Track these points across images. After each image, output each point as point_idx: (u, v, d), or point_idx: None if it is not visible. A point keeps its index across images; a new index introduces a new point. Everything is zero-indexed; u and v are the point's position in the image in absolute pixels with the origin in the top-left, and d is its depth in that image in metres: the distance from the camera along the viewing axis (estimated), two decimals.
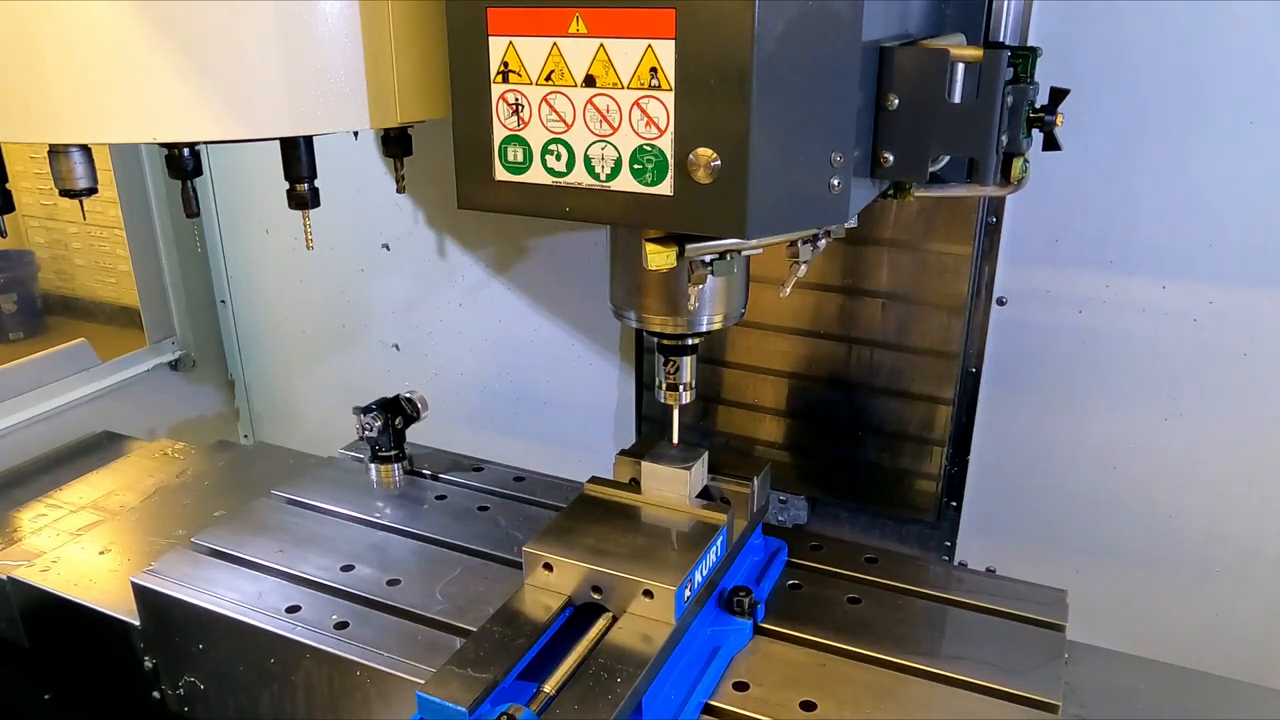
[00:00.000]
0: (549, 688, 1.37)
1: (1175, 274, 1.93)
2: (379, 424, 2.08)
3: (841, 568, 1.81)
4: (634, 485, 1.74)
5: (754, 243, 1.26)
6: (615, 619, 1.52)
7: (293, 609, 1.68)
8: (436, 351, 2.76)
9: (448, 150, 1.27)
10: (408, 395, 2.13)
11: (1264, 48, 1.74)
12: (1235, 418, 1.97)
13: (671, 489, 1.70)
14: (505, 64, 1.19)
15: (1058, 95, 1.38)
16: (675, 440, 1.72)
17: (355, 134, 1.57)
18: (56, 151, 1.39)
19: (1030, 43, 1.83)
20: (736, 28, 1.06)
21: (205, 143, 1.45)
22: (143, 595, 1.76)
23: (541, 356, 2.61)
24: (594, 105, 1.16)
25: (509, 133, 1.22)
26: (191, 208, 1.51)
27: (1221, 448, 2.00)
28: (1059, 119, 1.35)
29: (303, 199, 1.55)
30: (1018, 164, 1.34)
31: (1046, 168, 1.84)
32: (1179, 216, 1.89)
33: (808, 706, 1.47)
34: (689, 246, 1.25)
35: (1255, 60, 1.75)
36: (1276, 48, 1.73)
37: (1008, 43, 1.82)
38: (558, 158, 1.21)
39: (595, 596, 1.54)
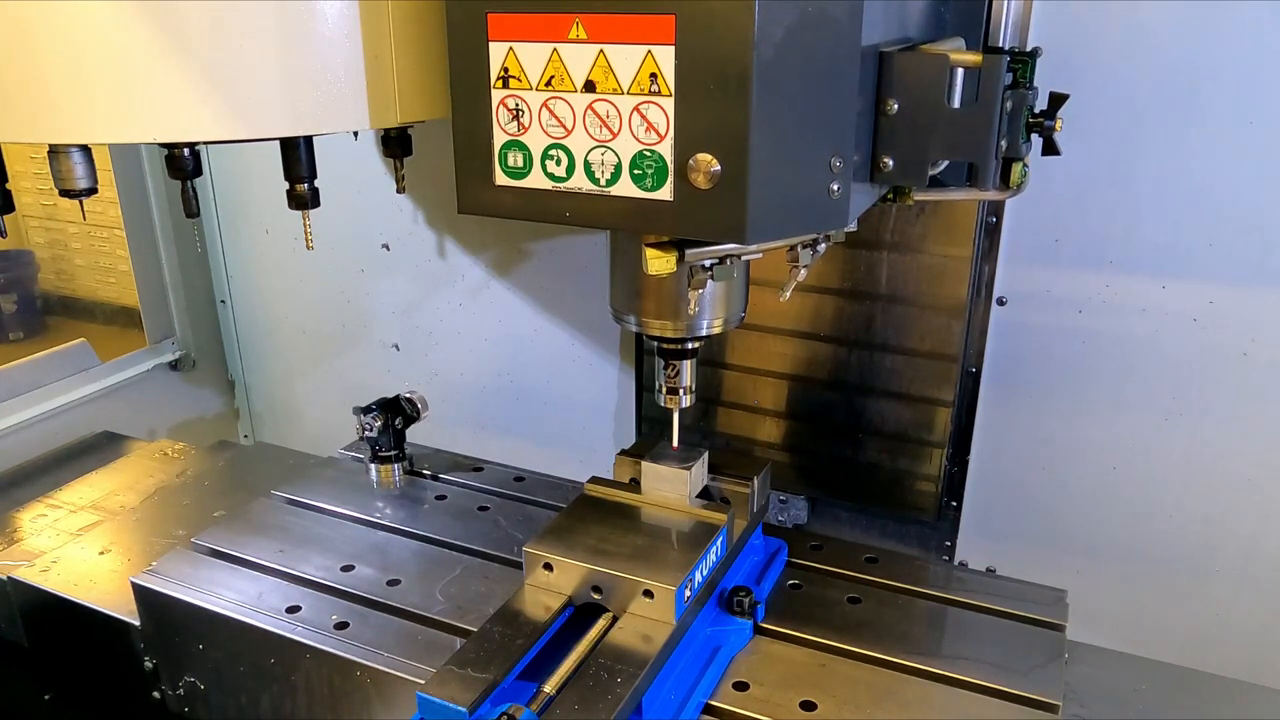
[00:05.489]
0: (549, 688, 1.37)
1: (1175, 274, 1.93)
2: (379, 424, 2.08)
3: (841, 568, 1.81)
4: (634, 485, 1.74)
5: (754, 248, 1.26)
6: (615, 619, 1.52)
7: (293, 609, 1.69)
8: (437, 352, 2.76)
9: (448, 150, 1.27)
10: (408, 395, 2.13)
11: (1264, 48, 1.73)
12: (1235, 418, 1.97)
13: (672, 489, 1.70)
14: (505, 69, 1.19)
15: (1057, 100, 1.38)
16: (675, 445, 1.72)
17: (355, 134, 1.57)
18: (56, 151, 1.39)
19: (1030, 43, 1.83)
20: (736, 33, 1.06)
21: (205, 143, 1.45)
22: (143, 595, 1.76)
23: (542, 357, 2.61)
24: (594, 111, 1.16)
25: (509, 138, 1.22)
26: (191, 208, 1.51)
27: (1221, 448, 2.00)
28: (1058, 124, 1.35)
29: (303, 199, 1.55)
30: (1017, 169, 1.34)
31: (1047, 168, 1.84)
32: (1179, 216, 1.88)
33: (808, 706, 1.47)
34: (689, 251, 1.25)
35: (1255, 60, 1.75)
36: (1276, 48, 1.73)
37: (1008, 44, 1.82)
38: (558, 163, 1.21)
39: (595, 596, 1.55)
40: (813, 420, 2.20)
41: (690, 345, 1.58)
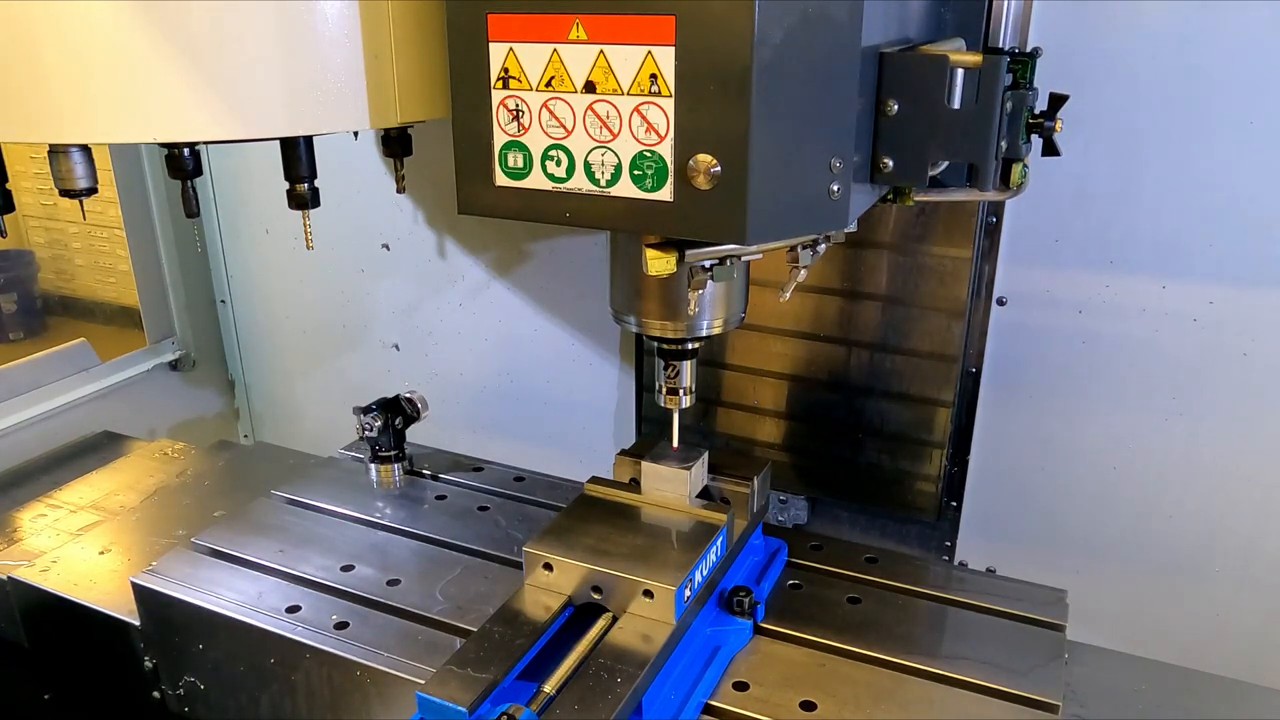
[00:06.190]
0: (549, 688, 1.37)
1: (1175, 274, 1.93)
2: (379, 424, 2.08)
3: (841, 568, 1.81)
4: (634, 485, 1.74)
5: (754, 248, 1.26)
6: (615, 619, 1.52)
7: (293, 609, 1.69)
8: (437, 352, 2.76)
9: (448, 150, 1.27)
10: (408, 395, 2.13)
11: (1264, 48, 1.74)
12: (1235, 418, 1.97)
13: (671, 489, 1.70)
14: (505, 70, 1.19)
15: (1057, 101, 1.38)
16: (675, 445, 1.72)
17: (355, 134, 1.57)
18: (56, 151, 1.39)
19: (1030, 44, 1.83)
20: (736, 34, 1.06)
21: (205, 143, 1.45)
22: (143, 595, 1.76)
23: (542, 357, 2.61)
24: (594, 111, 1.16)
25: (509, 138, 1.22)
26: (191, 208, 1.51)
27: (1221, 448, 2.00)
28: (1058, 125, 1.35)
29: (303, 199, 1.55)
30: (1017, 169, 1.34)
31: (1047, 168, 1.84)
32: (1179, 216, 1.89)
33: (808, 706, 1.47)
34: (689, 252, 1.25)
35: (1255, 60, 1.75)
36: (1276, 48, 1.73)
37: (1008, 44, 1.82)
38: (558, 163, 1.21)
39: (595, 596, 1.55)
40: (813, 420, 2.20)
41: (690, 346, 1.58)
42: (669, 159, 1.14)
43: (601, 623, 1.52)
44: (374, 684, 1.56)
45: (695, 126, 1.12)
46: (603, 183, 1.19)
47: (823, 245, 1.36)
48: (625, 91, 1.14)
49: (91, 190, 1.44)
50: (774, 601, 1.71)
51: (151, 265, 2.91)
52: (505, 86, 1.20)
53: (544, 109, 1.19)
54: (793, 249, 1.34)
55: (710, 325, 1.54)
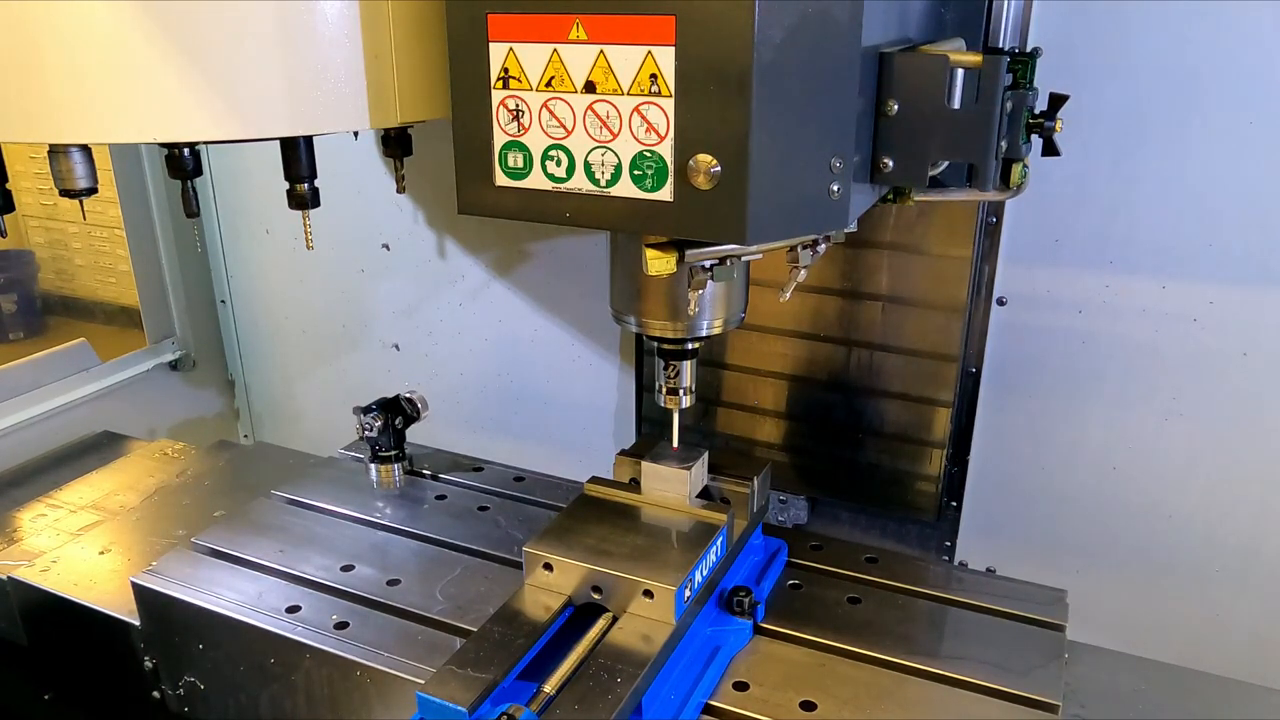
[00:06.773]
0: (549, 688, 1.38)
1: (1175, 274, 1.93)
2: (379, 424, 2.08)
3: (841, 568, 1.81)
4: (634, 485, 1.75)
5: (754, 248, 1.26)
6: (615, 619, 1.52)
7: (293, 609, 1.69)
8: (437, 351, 2.76)
9: (448, 150, 1.27)
10: (408, 395, 2.13)
11: (1264, 48, 1.74)
12: (1235, 418, 1.97)
13: (672, 489, 1.70)
14: (505, 70, 1.19)
15: (1057, 101, 1.38)
16: (675, 444, 1.72)
17: (355, 134, 1.57)
18: (56, 151, 1.39)
19: (1030, 43, 1.83)
20: (736, 33, 1.06)
21: (205, 143, 1.45)
22: (143, 595, 1.76)
23: (541, 357, 2.61)
24: (594, 111, 1.16)
25: (509, 138, 1.22)
26: (191, 208, 1.51)
27: (1221, 448, 2.00)
28: (1058, 125, 1.35)
29: (303, 199, 1.55)
30: (1017, 169, 1.34)
31: (1047, 168, 1.84)
32: (1179, 216, 1.89)
33: (808, 706, 1.47)
34: (689, 252, 1.25)
35: (1255, 60, 1.75)
36: (1276, 48, 1.73)
37: (1008, 44, 1.82)
38: (558, 163, 1.21)
39: (595, 596, 1.55)
40: (813, 420, 2.20)
41: (690, 346, 1.58)
42: (669, 159, 1.14)
43: (601, 623, 1.52)
44: (374, 684, 1.56)
45: (695, 126, 1.12)
46: (603, 183, 1.19)
47: (823, 245, 1.36)
48: (625, 91, 1.13)
49: (91, 190, 1.44)
50: (774, 601, 1.71)
51: (151, 265, 2.91)
52: (505, 86, 1.20)
53: (544, 109, 1.19)
54: (793, 249, 1.34)
55: (710, 325, 1.54)
